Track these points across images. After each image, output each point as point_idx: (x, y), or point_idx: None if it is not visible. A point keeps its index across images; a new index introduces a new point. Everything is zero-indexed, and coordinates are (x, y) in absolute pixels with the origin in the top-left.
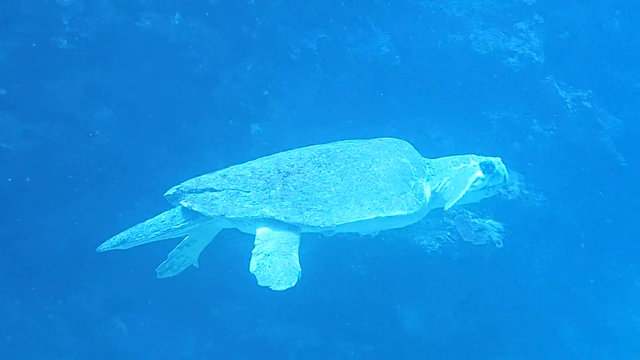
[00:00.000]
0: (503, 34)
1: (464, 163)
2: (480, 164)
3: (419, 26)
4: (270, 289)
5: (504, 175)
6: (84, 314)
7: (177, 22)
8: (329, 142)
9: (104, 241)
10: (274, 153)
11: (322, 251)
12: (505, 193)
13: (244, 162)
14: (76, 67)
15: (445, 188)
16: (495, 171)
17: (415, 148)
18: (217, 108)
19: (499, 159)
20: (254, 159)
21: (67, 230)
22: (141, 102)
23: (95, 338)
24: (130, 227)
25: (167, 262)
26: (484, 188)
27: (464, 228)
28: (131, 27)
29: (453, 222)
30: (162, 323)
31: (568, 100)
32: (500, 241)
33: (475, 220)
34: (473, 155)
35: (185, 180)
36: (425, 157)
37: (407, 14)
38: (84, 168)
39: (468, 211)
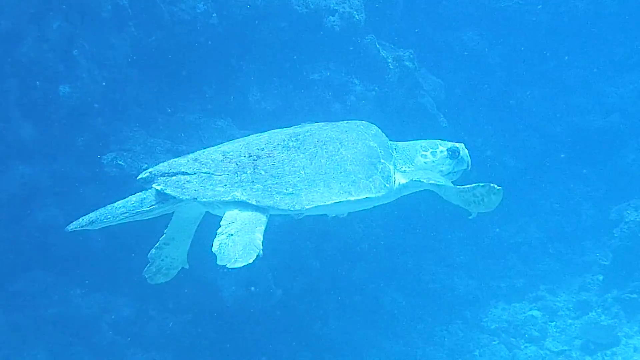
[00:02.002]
0: None
1: (432, 148)
2: (447, 150)
3: None
4: (227, 267)
5: (468, 161)
6: None
7: None
8: (292, 127)
9: None
10: (85, 115)
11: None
12: None
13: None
14: None
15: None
16: (460, 157)
17: (381, 131)
18: (21, 68)
19: (462, 145)
20: (63, 121)
21: None
22: None
23: None
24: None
25: (151, 264)
26: (449, 173)
27: None
28: None
29: None
30: None
31: (389, 60)
32: None
33: None
34: (439, 140)
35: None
36: (392, 141)
37: None
38: None
39: None
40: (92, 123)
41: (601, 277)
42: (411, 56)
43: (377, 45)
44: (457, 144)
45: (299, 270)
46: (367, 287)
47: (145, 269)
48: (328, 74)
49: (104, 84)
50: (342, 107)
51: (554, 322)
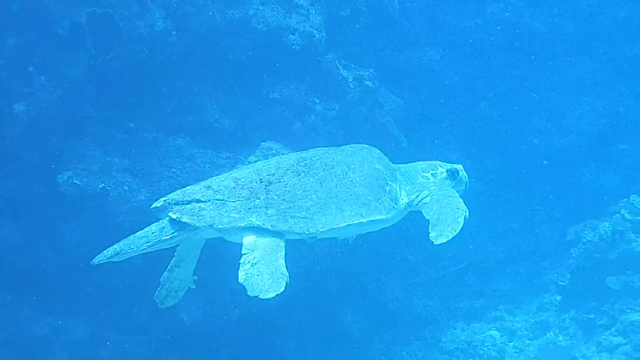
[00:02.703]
0: (283, 10)
1: (432, 170)
2: (447, 171)
3: (196, 0)
4: (260, 297)
5: (466, 181)
6: None
7: None
8: (303, 151)
9: None
10: (40, 133)
11: (100, 243)
12: None
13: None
14: None
15: (425, 204)
16: (459, 177)
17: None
18: None
19: (461, 166)
20: (18, 139)
21: None
22: None
23: None
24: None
25: (161, 288)
26: None
27: None
28: None
29: None
30: None
31: (350, 79)
32: None
33: None
34: (439, 162)
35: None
36: (394, 164)
37: None
38: None
39: None
40: (47, 141)
41: (559, 298)
42: (371, 75)
43: (338, 65)
44: (455, 165)
45: None
46: (326, 307)
47: (156, 293)
48: (288, 92)
49: (60, 101)
50: (303, 127)
51: (513, 343)
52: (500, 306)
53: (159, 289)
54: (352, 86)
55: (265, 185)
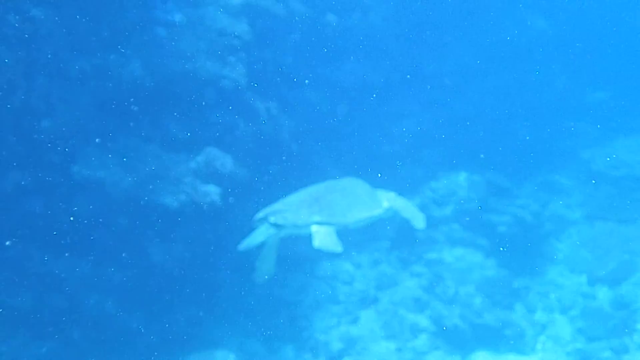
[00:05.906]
0: (220, 64)
1: (392, 194)
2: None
3: (162, 57)
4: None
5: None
6: None
7: None
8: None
9: None
10: (60, 140)
11: (100, 211)
12: (220, 167)
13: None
14: None
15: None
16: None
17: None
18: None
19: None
20: (45, 143)
21: None
22: None
23: None
24: None
25: (257, 272)
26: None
27: (195, 191)
28: None
29: (188, 189)
30: None
31: (262, 109)
32: (219, 201)
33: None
34: (393, 193)
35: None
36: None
37: (155, 48)
38: None
39: (196, 179)
40: (66, 145)
41: (388, 244)
42: (276, 106)
43: (254, 99)
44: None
45: (202, 243)
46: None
47: (254, 275)
48: (222, 117)
49: (74, 121)
50: (232, 138)
51: (360, 271)
52: (352, 249)
53: (255, 272)
54: (263, 113)
55: (316, 200)
